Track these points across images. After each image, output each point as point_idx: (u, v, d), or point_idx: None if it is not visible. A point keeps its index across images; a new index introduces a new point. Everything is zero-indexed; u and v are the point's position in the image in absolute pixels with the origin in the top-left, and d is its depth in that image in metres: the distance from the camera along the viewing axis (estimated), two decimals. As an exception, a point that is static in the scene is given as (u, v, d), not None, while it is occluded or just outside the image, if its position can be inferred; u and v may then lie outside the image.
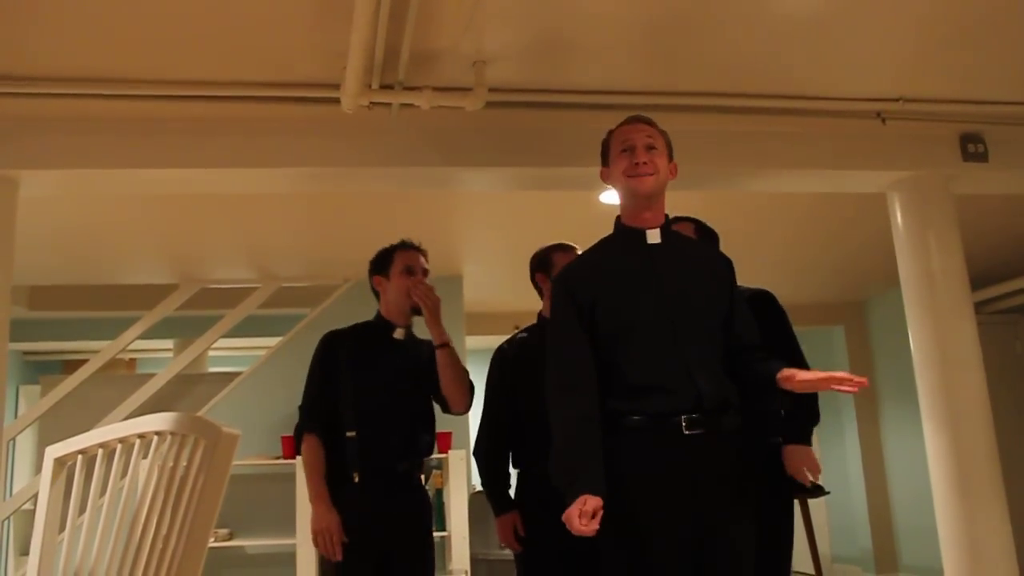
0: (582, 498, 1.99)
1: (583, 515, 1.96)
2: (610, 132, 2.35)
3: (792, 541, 2.91)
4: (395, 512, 2.76)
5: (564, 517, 1.99)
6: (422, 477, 2.94)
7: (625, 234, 2.29)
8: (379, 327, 2.96)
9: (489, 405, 3.05)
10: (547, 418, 2.22)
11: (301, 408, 2.88)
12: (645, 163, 2.21)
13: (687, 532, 2.05)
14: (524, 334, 3.06)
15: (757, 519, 2.18)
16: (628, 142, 2.25)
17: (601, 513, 1.99)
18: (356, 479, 2.73)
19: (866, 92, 3.46)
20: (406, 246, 2.96)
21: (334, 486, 2.74)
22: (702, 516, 2.06)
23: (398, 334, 2.94)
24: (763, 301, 2.93)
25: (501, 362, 3.06)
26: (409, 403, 2.87)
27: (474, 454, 3.05)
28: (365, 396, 2.81)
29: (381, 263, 2.97)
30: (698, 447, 2.07)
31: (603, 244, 2.34)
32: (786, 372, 2.11)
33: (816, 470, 2.79)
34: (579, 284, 2.24)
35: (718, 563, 2.05)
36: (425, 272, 2.94)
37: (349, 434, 2.76)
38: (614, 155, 2.28)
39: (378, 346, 2.91)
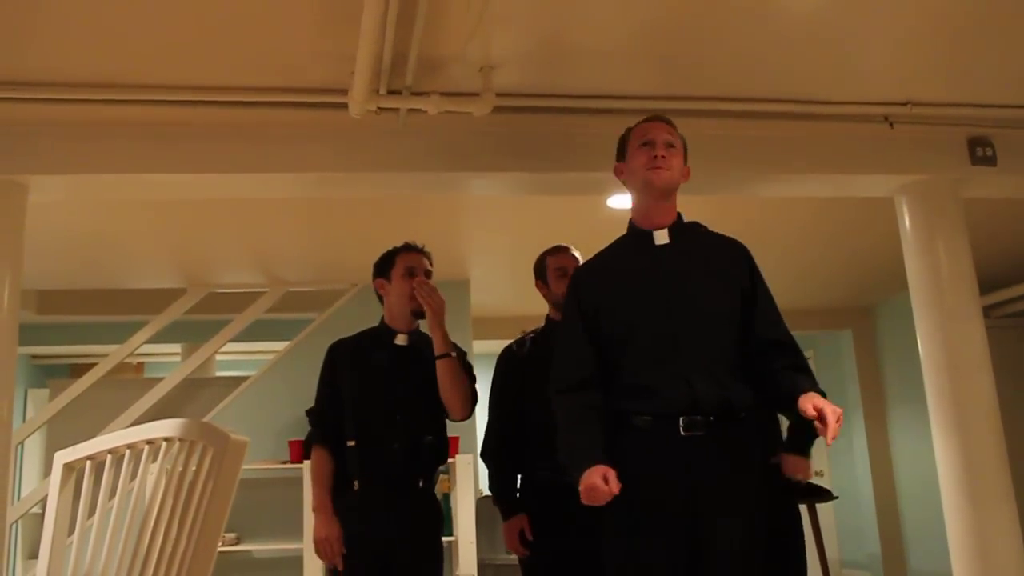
0: (598, 468, 2.00)
1: (602, 482, 1.97)
2: (629, 129, 2.37)
3: (804, 549, 2.91)
4: (397, 520, 2.72)
5: (587, 486, 1.98)
6: (432, 484, 2.88)
7: (635, 236, 2.32)
8: (382, 334, 2.92)
9: (497, 407, 3.02)
10: (552, 421, 2.23)
11: (309, 417, 2.88)
12: (663, 157, 2.23)
13: (686, 532, 2.05)
14: (532, 335, 3.04)
15: (770, 526, 2.17)
16: (648, 137, 2.28)
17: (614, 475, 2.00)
18: (356, 487, 2.72)
19: (873, 96, 3.45)
20: (409, 248, 2.92)
21: (337, 494, 2.74)
22: (701, 517, 2.06)
23: (400, 340, 2.88)
24: None
25: (508, 363, 3.04)
26: (412, 409, 2.80)
27: (481, 456, 3.02)
28: (363, 404, 2.79)
29: (383, 266, 2.93)
30: (697, 448, 2.07)
31: (614, 246, 2.37)
32: (809, 400, 2.00)
33: (807, 477, 2.89)
34: (585, 288, 2.28)
35: (718, 564, 2.04)
36: (428, 275, 2.87)
37: (350, 443, 2.75)
38: (632, 149, 2.31)
39: (378, 353, 2.87)
